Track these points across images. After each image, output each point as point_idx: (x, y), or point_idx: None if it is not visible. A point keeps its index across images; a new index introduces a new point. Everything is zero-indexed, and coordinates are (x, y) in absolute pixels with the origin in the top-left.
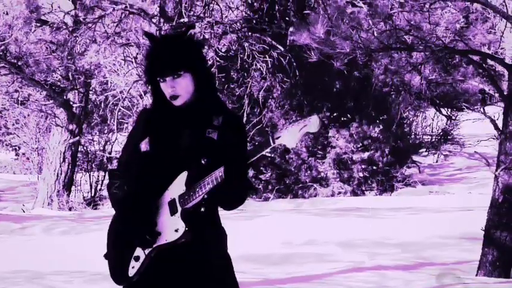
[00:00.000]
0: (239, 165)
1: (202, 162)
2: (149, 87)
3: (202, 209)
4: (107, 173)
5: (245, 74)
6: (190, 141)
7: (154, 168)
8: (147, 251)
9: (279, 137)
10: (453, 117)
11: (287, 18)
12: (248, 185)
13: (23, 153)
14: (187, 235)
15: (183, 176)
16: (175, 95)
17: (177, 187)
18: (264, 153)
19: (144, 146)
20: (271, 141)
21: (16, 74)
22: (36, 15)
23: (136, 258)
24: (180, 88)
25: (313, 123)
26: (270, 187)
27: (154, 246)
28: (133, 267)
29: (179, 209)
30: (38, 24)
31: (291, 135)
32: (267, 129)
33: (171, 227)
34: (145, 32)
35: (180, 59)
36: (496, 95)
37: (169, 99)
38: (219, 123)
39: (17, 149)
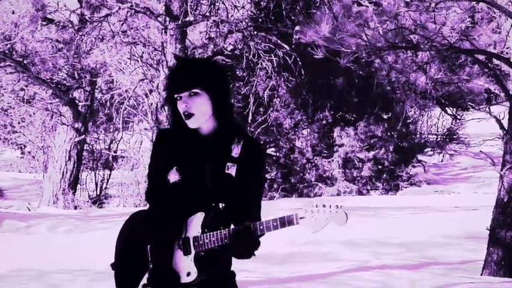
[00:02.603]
0: (251, 240)
1: (220, 207)
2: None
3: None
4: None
5: (250, 73)
6: (211, 179)
7: (179, 199)
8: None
9: (303, 218)
10: (458, 117)
11: (293, 17)
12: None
13: (29, 152)
14: (198, 279)
15: (199, 218)
16: (188, 112)
17: (193, 228)
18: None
19: (173, 177)
20: (295, 221)
21: (22, 73)
22: (42, 14)
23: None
24: (194, 107)
25: (340, 219)
26: (275, 186)
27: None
28: None
29: (193, 251)
30: (44, 23)
31: (315, 223)
32: (271, 128)
33: (184, 270)
34: (175, 54)
35: (198, 76)
36: (502, 94)
37: (184, 117)
38: (237, 154)
39: (23, 147)
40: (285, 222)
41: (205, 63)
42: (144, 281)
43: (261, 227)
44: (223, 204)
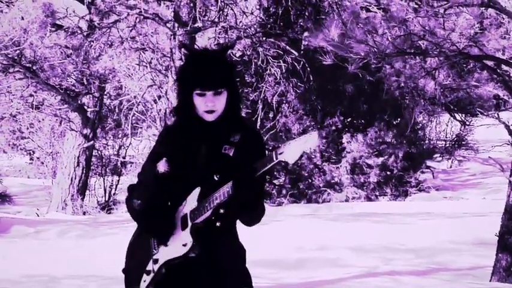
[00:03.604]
0: (248, 179)
1: (215, 178)
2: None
3: (218, 224)
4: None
5: (259, 79)
6: (206, 158)
7: (173, 188)
8: (156, 266)
9: (281, 153)
10: (467, 123)
11: (301, 23)
12: (262, 203)
13: (38, 158)
14: (194, 249)
15: (195, 192)
16: (213, 110)
17: (190, 203)
18: (267, 167)
19: (161, 167)
20: (274, 157)
21: (31, 79)
22: (52, 20)
23: (148, 272)
24: (218, 104)
25: (313, 139)
26: (283, 192)
27: (163, 261)
28: (144, 281)
29: (189, 223)
30: (53, 29)
31: (293, 151)
32: (280, 134)
33: (179, 242)
34: (182, 43)
35: (224, 77)
36: (511, 100)
37: (205, 112)
38: (236, 140)
39: (32, 153)
40: (267, 161)
41: (224, 59)
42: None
43: (257, 165)
44: (218, 176)
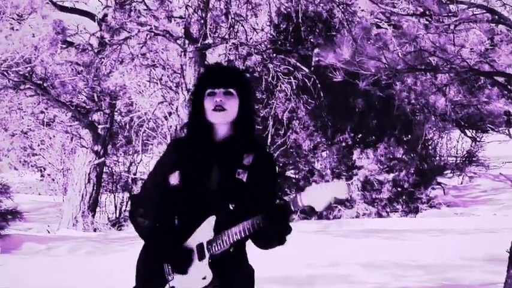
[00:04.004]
0: (274, 212)
1: (231, 208)
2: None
3: (231, 249)
4: (129, 199)
5: (270, 95)
6: (220, 183)
7: (182, 204)
8: None
9: (306, 198)
10: (478, 139)
11: (312, 40)
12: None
13: (48, 174)
14: (215, 282)
15: (211, 221)
16: (221, 106)
17: (205, 232)
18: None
19: (174, 179)
20: (299, 203)
21: (42, 95)
22: (62, 37)
23: None
24: (228, 104)
25: (341, 189)
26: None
27: None
28: None
29: (207, 255)
30: (64, 46)
31: (318, 199)
32: (291, 150)
33: (198, 274)
34: (206, 65)
35: (235, 78)
36: None
37: (213, 111)
38: (249, 163)
39: (43, 170)
40: (293, 205)
41: (239, 69)
42: None
43: (292, 203)
44: (234, 205)
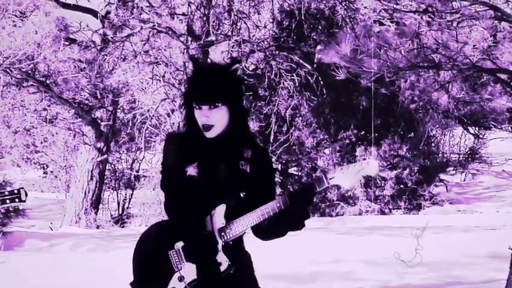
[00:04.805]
0: (299, 192)
1: (241, 195)
2: (183, 111)
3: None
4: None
5: (272, 92)
6: (226, 174)
7: (197, 194)
8: (182, 284)
9: (332, 178)
10: (481, 136)
11: (315, 37)
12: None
13: (51, 171)
14: (230, 268)
15: (221, 209)
16: (208, 124)
17: (217, 219)
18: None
19: (191, 170)
20: (325, 181)
21: (44, 93)
22: (65, 34)
23: None
24: (214, 119)
25: (371, 167)
26: None
27: (191, 279)
28: None
29: (220, 242)
30: (67, 43)
31: (347, 177)
32: (293, 147)
33: (213, 261)
34: (191, 56)
35: (220, 91)
36: None
37: (202, 128)
38: (249, 156)
39: (45, 167)
40: (318, 185)
41: (226, 74)
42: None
43: (317, 184)
44: (244, 193)
